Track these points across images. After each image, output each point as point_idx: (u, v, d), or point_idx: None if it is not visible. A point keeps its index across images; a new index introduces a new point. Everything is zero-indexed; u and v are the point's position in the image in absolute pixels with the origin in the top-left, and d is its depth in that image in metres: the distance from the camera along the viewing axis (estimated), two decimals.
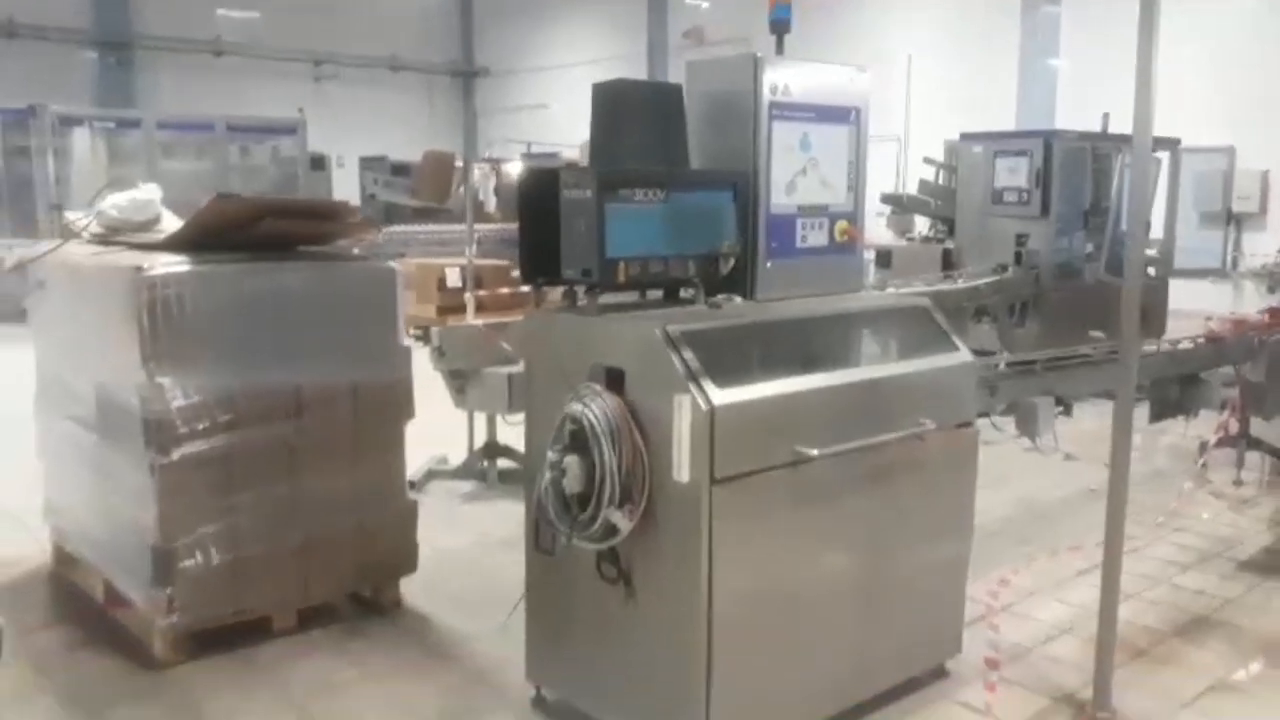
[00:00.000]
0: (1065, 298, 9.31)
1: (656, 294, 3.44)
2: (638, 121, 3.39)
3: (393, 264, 4.21)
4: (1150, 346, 6.38)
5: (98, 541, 4.25)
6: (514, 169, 15.93)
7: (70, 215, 4.69)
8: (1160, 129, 10.70)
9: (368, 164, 18.12)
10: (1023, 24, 15.57)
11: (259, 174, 15.12)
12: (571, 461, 2.98)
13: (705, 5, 19.73)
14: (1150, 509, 5.84)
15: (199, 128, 14.42)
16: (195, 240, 3.97)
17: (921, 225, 11.37)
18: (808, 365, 3.18)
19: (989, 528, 5.49)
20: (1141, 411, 6.21)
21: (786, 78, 3.41)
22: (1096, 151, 9.93)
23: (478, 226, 10.24)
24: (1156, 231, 10.63)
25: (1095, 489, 6.21)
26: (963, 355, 3.55)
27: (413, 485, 5.86)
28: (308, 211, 4.22)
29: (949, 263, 9.88)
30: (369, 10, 22.74)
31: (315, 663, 3.89)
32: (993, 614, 4.37)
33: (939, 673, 3.76)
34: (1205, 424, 6.68)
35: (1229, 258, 14.26)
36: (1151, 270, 10.54)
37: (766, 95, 3.36)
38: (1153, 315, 10.16)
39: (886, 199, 11.16)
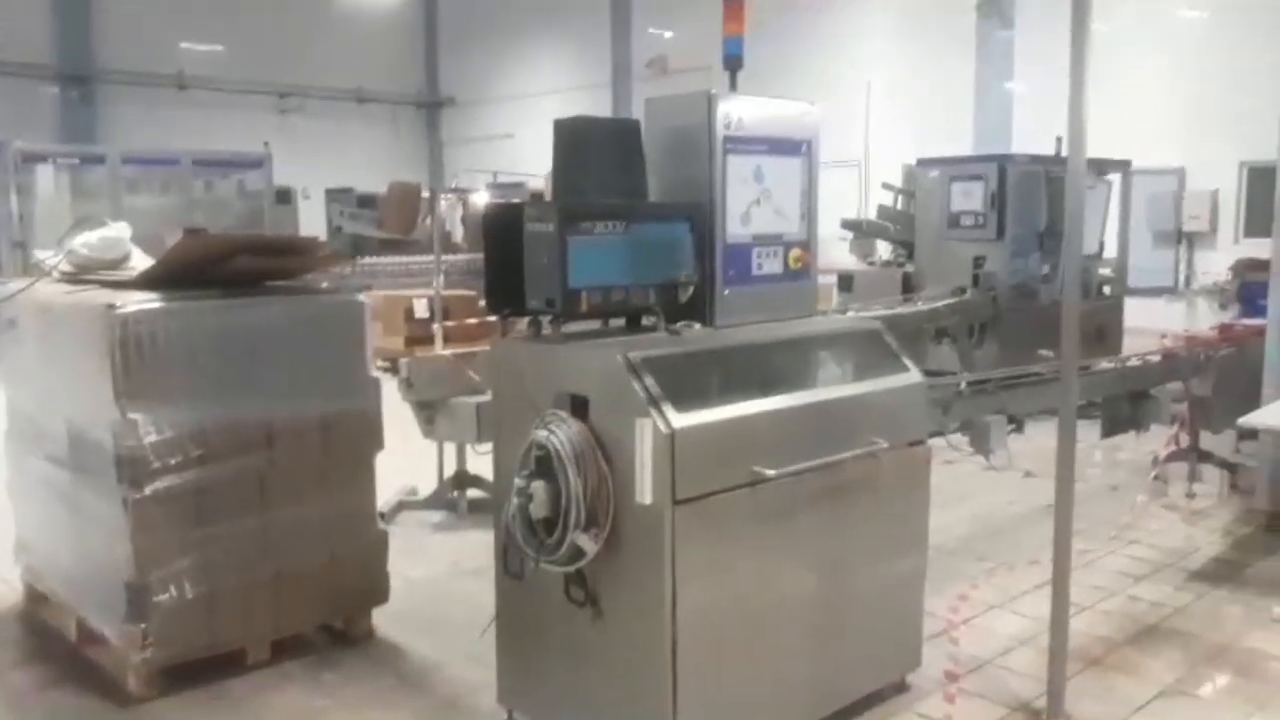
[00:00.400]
0: (1023, 318, 9.50)
1: (619, 322, 3.55)
2: (598, 156, 3.51)
3: (360, 296, 4.28)
4: (1108, 364, 6.60)
5: (70, 579, 4.28)
6: (481, 199, 16.03)
7: (40, 254, 4.74)
8: (1112, 151, 10.98)
9: (334, 196, 18.15)
10: (977, 49, 15.93)
11: (225, 208, 15.12)
12: (538, 487, 3.08)
13: (668, 35, 20.01)
14: (1105, 522, 6.00)
15: (164, 162, 14.40)
16: (167, 277, 4.03)
17: (884, 250, 11.59)
18: (764, 388, 3.30)
19: (948, 545, 5.64)
20: (1095, 427, 6.41)
21: (740, 112, 3.54)
22: (1050, 174, 10.19)
23: (445, 257, 10.34)
24: (1111, 252, 10.95)
25: (1052, 505, 6.39)
26: (913, 376, 3.69)
27: (383, 517, 5.90)
28: (279, 248, 4.30)
29: (909, 286, 10.09)
30: (333, 42, 22.84)
31: (288, 695, 3.93)
32: (953, 628, 4.50)
33: (900, 686, 3.87)
34: (1159, 439, 6.89)
35: (1182, 276, 14.59)
36: (1107, 289, 10.84)
37: (720, 129, 3.49)
38: (1109, 333, 10.43)
39: (846, 224, 11.37)
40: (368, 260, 15.61)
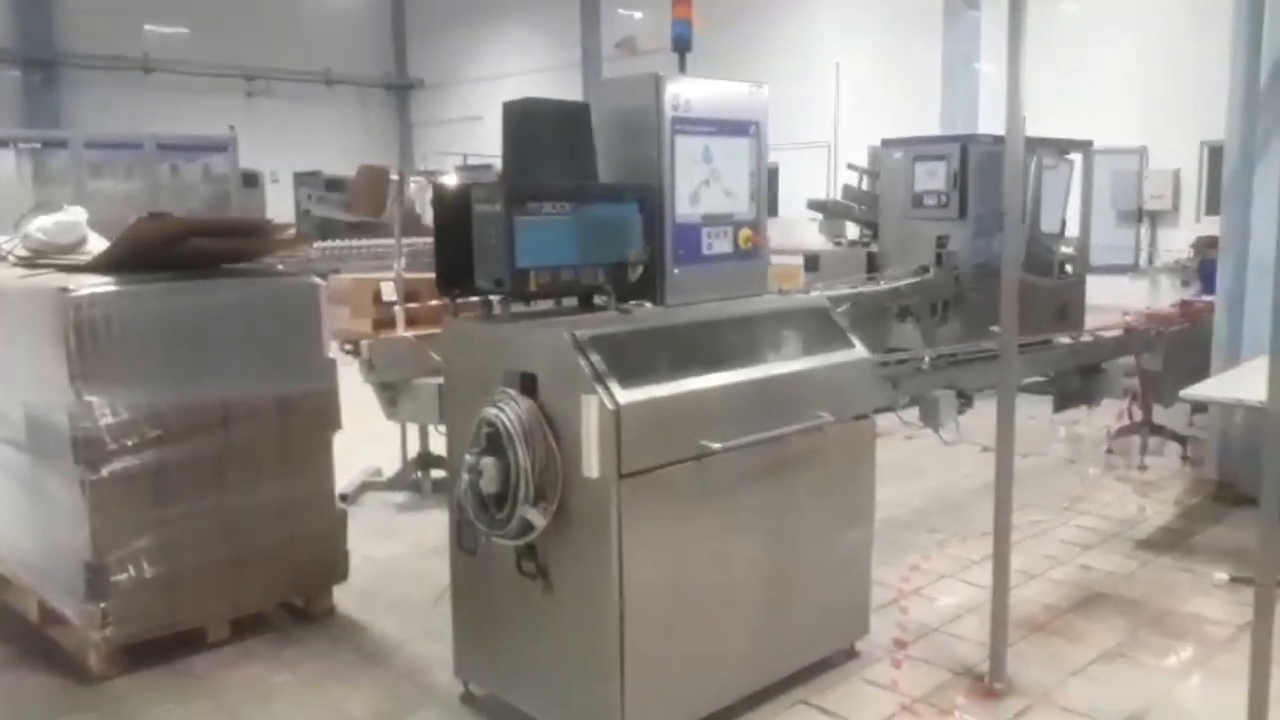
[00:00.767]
0: (985, 296, 9.57)
1: (572, 302, 3.61)
2: (547, 138, 3.56)
3: (316, 279, 4.32)
4: (1067, 339, 6.73)
5: (31, 561, 4.30)
6: (450, 181, 15.98)
7: None
8: (1078, 131, 11.10)
9: (302, 179, 18.04)
10: (944, 30, 16.02)
11: (191, 192, 14.99)
12: (488, 463, 3.14)
13: (638, 16, 19.97)
14: (1059, 494, 6.15)
15: (128, 146, 14.26)
16: (122, 261, 4.04)
17: (853, 230, 11.69)
18: (712, 365, 3.36)
19: (903, 518, 5.77)
20: (1050, 402, 6.55)
21: (687, 94, 3.59)
22: None
23: (414, 240, 10.33)
24: (1074, 230, 11.10)
25: None
26: (859, 352, 3.77)
27: (345, 498, 5.97)
28: (232, 229, 4.32)
29: (873, 265, 10.19)
30: (301, 24, 22.66)
31: (249, 671, 3.99)
32: (903, 597, 4.61)
33: (849, 653, 3.97)
34: (1112, 412, 7.05)
35: (1145, 254, 14.79)
36: (1069, 268, 11.00)
37: (669, 111, 3.54)
38: (1071, 311, 10.59)
39: (813, 205, 11.46)
40: (337, 243, 15.57)
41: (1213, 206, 13.60)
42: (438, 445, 6.19)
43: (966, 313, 9.62)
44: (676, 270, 3.66)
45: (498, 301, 3.41)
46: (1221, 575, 4.76)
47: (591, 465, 3.01)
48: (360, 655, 4.16)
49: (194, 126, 16.93)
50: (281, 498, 4.20)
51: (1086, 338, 6.15)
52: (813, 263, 10.90)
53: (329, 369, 4.34)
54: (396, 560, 5.23)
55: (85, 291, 3.70)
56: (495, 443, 3.15)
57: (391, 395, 5.93)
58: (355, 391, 5.86)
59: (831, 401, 3.60)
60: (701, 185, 3.70)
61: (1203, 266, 12.26)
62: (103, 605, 3.79)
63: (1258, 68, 5.60)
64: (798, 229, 15.96)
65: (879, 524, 5.55)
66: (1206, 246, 11.96)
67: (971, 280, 9.59)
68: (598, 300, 3.56)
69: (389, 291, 10.95)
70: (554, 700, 3.34)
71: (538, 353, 3.19)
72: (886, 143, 10.37)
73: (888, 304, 9.06)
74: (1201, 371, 5.96)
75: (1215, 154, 13.39)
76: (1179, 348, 6.62)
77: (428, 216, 17.21)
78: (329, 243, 13.81)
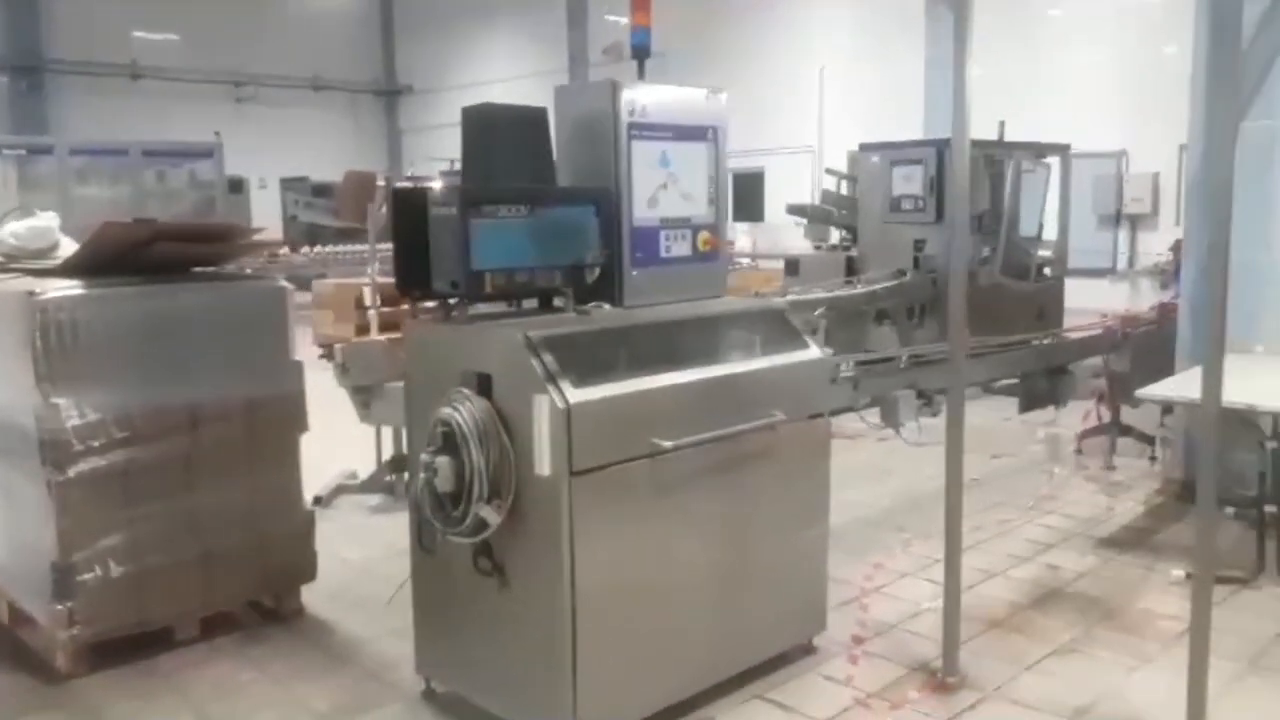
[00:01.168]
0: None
1: (533, 304, 3.68)
2: (505, 143, 3.63)
3: (283, 282, 4.37)
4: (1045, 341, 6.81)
5: (1, 563, 4.35)
6: (437, 186, 16.04)
7: None
8: (1056, 135, 11.17)
9: (289, 185, 18.10)
10: (926, 33, 16.12)
11: (177, 198, 15.05)
12: (443, 462, 3.20)
13: (624, 21, 20.06)
14: (1026, 494, 6.23)
15: (113, 153, 14.32)
16: (91, 265, 4.10)
17: (836, 235, 11.78)
18: (665, 365, 3.43)
19: (871, 517, 5.85)
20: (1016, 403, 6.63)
21: (644, 100, 3.67)
22: (990, 158, 10.43)
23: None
24: (1051, 234, 11.20)
25: (976, 479, 6.61)
26: (813, 352, 3.85)
27: (319, 501, 6.04)
28: (198, 234, 4.38)
29: (852, 269, 10.28)
30: (289, 30, 22.69)
31: (216, 668, 4.05)
32: (865, 595, 4.68)
33: (807, 649, 4.04)
34: (1079, 414, 7.13)
35: (1126, 257, 14.89)
36: (1047, 271, 11.09)
37: (625, 116, 3.62)
38: (1049, 314, 10.68)
39: (792, 210, 11.55)
40: (325, 249, 15.64)
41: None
42: None
43: (943, 315, 9.70)
44: (634, 272, 3.73)
45: (455, 303, 3.48)
46: (1178, 572, 4.84)
47: (543, 463, 3.08)
48: (327, 654, 4.22)
49: (183, 133, 16.96)
50: (250, 499, 4.26)
51: (1049, 340, 6.22)
52: (793, 267, 10.99)
53: (296, 372, 4.40)
54: (368, 562, 5.28)
55: (52, 295, 3.76)
56: (450, 442, 3.22)
57: (365, 398, 5.99)
58: (332, 395, 5.94)
59: (786, 401, 3.67)
60: (659, 189, 3.78)
61: (1181, 269, 12.36)
62: (69, 605, 3.85)
63: (1218, 71, 5.69)
64: (784, 234, 16.07)
65: (847, 523, 5.68)
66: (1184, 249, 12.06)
67: (947, 283, 9.65)
68: (557, 302, 3.63)
69: (371, 297, 11.07)
70: (510, 696, 3.40)
71: (492, 353, 3.25)
72: (864, 147, 10.46)
73: (865, 307, 9.14)
74: (1168, 372, 6.04)
75: None
76: (1146, 349, 6.71)
77: None
78: (314, 249, 13.85)
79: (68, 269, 4.08)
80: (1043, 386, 6.17)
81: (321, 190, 17.27)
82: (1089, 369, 6.81)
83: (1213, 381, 3.15)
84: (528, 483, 3.15)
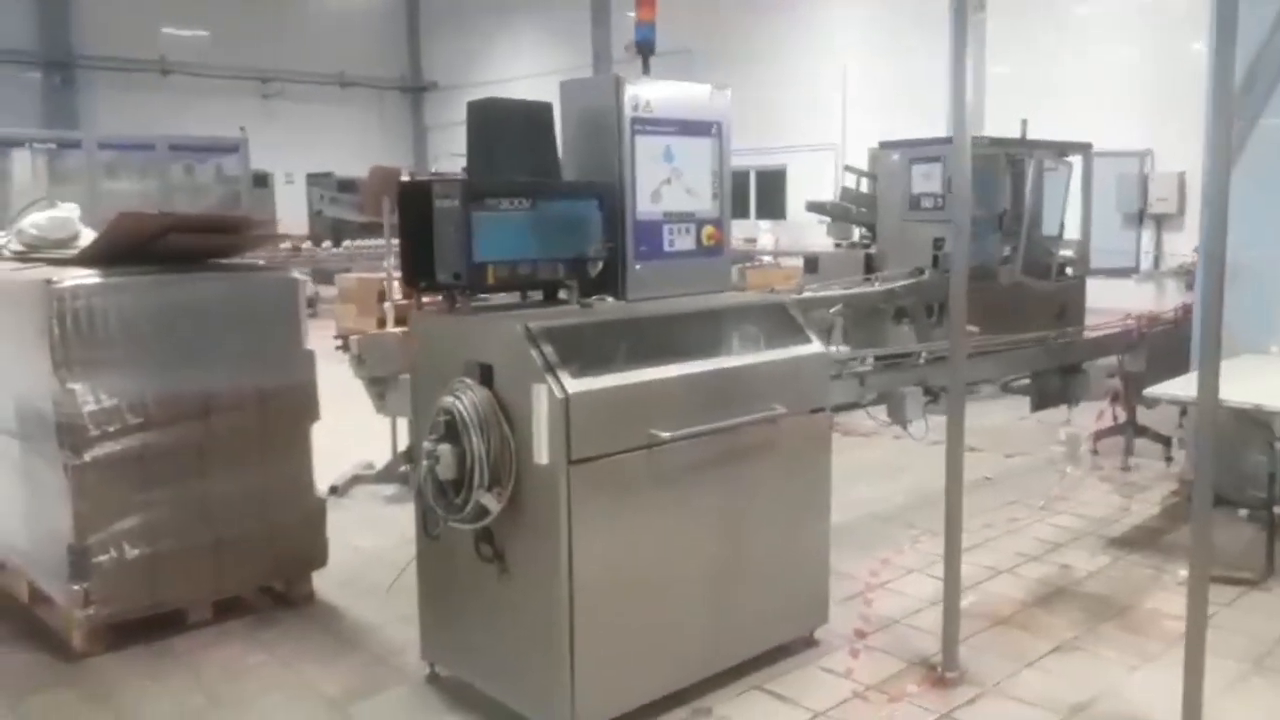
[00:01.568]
0: (981, 298, 9.60)
1: (538, 296, 3.73)
2: (510, 137, 3.69)
3: (296, 274, 4.45)
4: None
5: (22, 545, 4.45)
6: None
7: None
8: (1079, 133, 11.10)
9: (315, 180, 18.27)
10: (951, 29, 16.04)
11: (203, 193, 15.26)
12: (444, 450, 3.26)
13: None
14: (1038, 493, 6.21)
15: (140, 147, 14.54)
16: (109, 255, 4.20)
17: (858, 232, 11.75)
18: (665, 357, 3.47)
19: (883, 514, 5.86)
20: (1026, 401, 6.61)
21: (648, 95, 3.71)
22: (1011, 156, 10.39)
23: None
24: (1074, 233, 11.13)
25: (990, 478, 6.60)
26: (815, 347, 3.87)
27: (335, 490, 6.13)
28: (210, 225, 4.46)
29: (871, 267, 10.26)
30: (316, 27, 22.93)
31: (227, 650, 4.13)
32: (869, 590, 4.70)
33: (809, 641, 4.06)
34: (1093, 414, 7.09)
35: (1151, 258, 14.77)
36: (1069, 270, 11.02)
37: (629, 111, 3.66)
38: (1070, 313, 10.62)
39: (811, 206, 11.55)
40: (352, 244, 15.79)
41: None
42: None
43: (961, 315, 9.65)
44: (638, 266, 3.77)
45: (459, 295, 3.53)
46: (1184, 573, 4.79)
47: (542, 452, 3.13)
48: (336, 638, 4.30)
49: (211, 128, 17.19)
50: (261, 486, 4.34)
51: (1061, 338, 6.19)
52: (812, 264, 10.98)
53: (308, 362, 4.48)
54: (380, 550, 5.35)
55: (68, 283, 3.86)
56: (452, 430, 3.27)
57: (381, 390, 6.06)
58: (349, 386, 6.03)
59: (786, 395, 3.69)
60: (663, 184, 3.82)
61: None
62: (85, 585, 3.94)
63: (1232, 70, 5.64)
64: (807, 232, 16.05)
65: (858, 519, 5.70)
66: None
67: (967, 282, 9.61)
68: (561, 295, 3.68)
69: (395, 291, 11.18)
70: (509, 681, 3.46)
71: (494, 344, 3.30)
72: (884, 144, 10.44)
73: (883, 305, 9.13)
74: (1183, 373, 6.01)
75: None
76: (1164, 349, 6.66)
77: None
78: (334, 247, 13.97)
79: (85, 259, 4.18)
80: (1055, 385, 6.15)
81: (347, 185, 17.40)
82: (1104, 369, 6.77)
83: (1209, 380, 3.16)
84: (527, 471, 3.20)
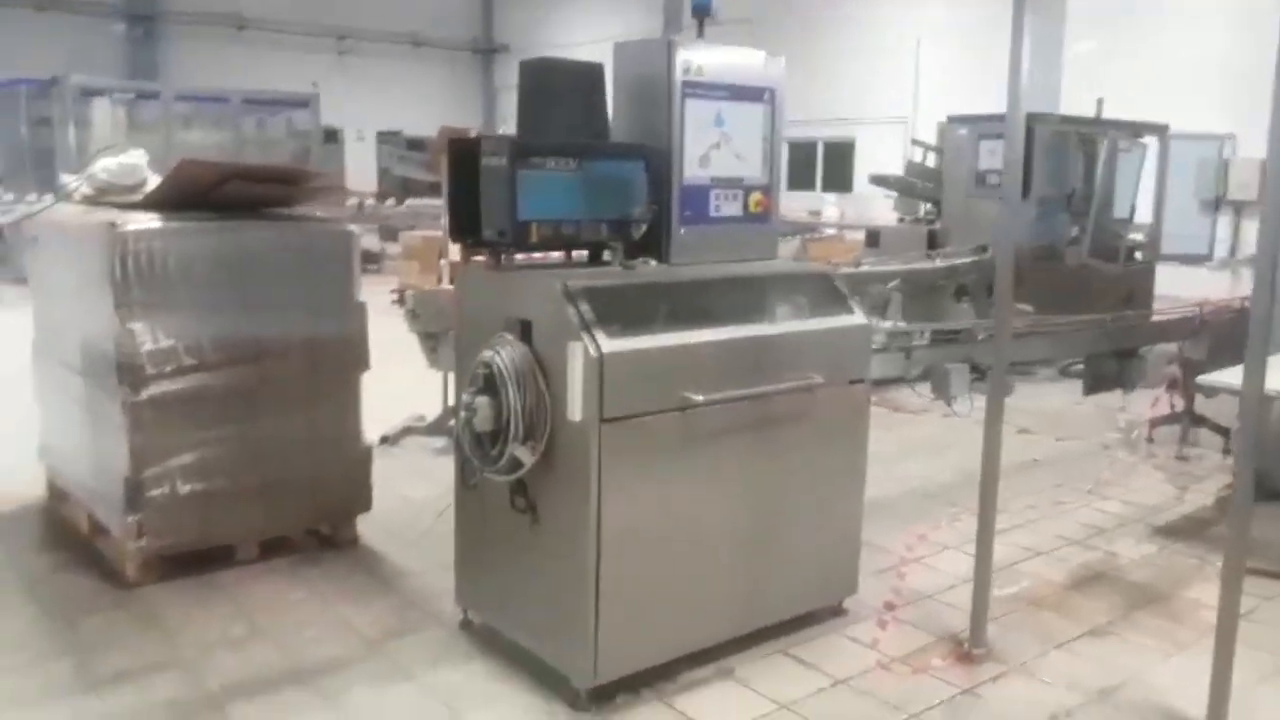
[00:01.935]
0: (1047, 279, 9.46)
1: (583, 256, 3.77)
2: (561, 97, 3.71)
3: (350, 226, 4.55)
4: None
5: (83, 477, 4.66)
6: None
7: (65, 178, 5.08)
8: (1160, 115, 10.77)
9: (385, 138, 18.52)
10: (1030, 5, 15.63)
11: (274, 146, 15.55)
12: (482, 402, 3.34)
13: None
14: (1086, 478, 6.13)
15: (215, 100, 14.85)
16: (172, 201, 4.32)
17: (923, 208, 11.58)
18: (702, 321, 3.49)
19: (927, 490, 5.83)
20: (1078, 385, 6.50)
21: (700, 59, 3.70)
22: (1083, 136, 10.12)
23: None
24: (1145, 216, 10.83)
25: (1038, 459, 6.52)
26: (857, 318, 3.86)
27: (386, 440, 6.29)
28: (270, 175, 4.57)
29: (934, 243, 10.11)
30: None
31: (270, 585, 4.29)
32: (904, 564, 4.70)
33: (837, 610, 4.09)
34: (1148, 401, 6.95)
35: (1228, 245, 14.33)
36: (1138, 254, 10.74)
37: (680, 75, 3.66)
38: (1137, 298, 10.36)
39: (875, 179, 11.40)
40: (418, 202, 15.99)
41: None
42: None
43: (1024, 295, 9.47)
44: (683, 230, 3.77)
45: (504, 252, 3.58)
46: None
47: (575, 409, 3.18)
48: (375, 580, 4.43)
49: (285, 83, 17.49)
50: (309, 432, 4.47)
51: (1118, 320, 6.07)
52: (874, 238, 10.87)
53: (360, 313, 4.59)
54: (425, 501, 5.46)
55: (131, 227, 4.00)
56: (490, 383, 3.34)
57: (433, 344, 6.18)
58: (406, 340, 6.17)
59: (825, 364, 3.69)
60: (712, 148, 3.81)
61: None
62: (139, 517, 4.11)
63: None
64: (873, 205, 15.84)
65: (901, 494, 5.69)
66: None
67: (1031, 262, 9.44)
68: (605, 256, 3.71)
69: (454, 249, 11.34)
70: (538, 628, 3.54)
71: (533, 301, 3.36)
72: (952, 119, 10.26)
73: (943, 282, 9.01)
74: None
75: None
76: (1228, 338, 6.48)
77: None
78: (397, 205, 14.15)
79: (148, 203, 4.32)
80: (1110, 369, 6.04)
81: (416, 144, 17.63)
82: (1165, 355, 6.63)
83: (1256, 368, 3.09)
84: (561, 427, 3.26)
